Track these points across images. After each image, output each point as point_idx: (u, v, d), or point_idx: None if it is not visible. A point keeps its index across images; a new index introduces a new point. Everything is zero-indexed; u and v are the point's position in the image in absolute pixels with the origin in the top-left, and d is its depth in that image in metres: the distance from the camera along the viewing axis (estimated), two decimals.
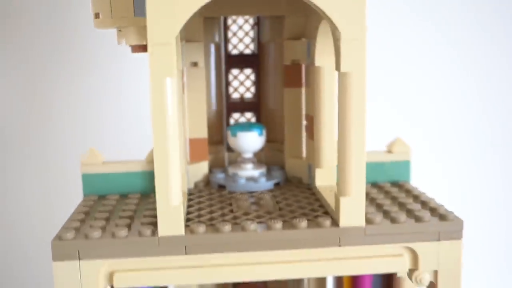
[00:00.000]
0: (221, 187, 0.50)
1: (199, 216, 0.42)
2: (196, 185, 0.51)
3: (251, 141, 0.50)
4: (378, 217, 0.39)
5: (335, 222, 0.39)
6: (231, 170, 0.51)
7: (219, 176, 0.51)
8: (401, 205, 0.43)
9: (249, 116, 0.57)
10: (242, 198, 0.46)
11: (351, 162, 0.38)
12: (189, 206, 0.45)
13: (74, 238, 0.38)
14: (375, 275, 0.46)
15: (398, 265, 0.40)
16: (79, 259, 0.37)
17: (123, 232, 0.38)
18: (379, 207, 0.43)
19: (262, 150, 0.54)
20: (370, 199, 0.45)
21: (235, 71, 0.56)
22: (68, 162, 0.65)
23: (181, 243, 0.38)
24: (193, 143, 0.52)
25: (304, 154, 0.53)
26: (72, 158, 0.54)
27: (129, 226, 0.40)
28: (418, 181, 0.51)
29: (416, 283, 0.40)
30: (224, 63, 0.55)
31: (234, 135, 0.50)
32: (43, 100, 0.72)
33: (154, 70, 0.36)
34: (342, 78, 0.37)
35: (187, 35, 0.49)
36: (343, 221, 0.38)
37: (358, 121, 0.37)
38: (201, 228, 0.38)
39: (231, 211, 0.43)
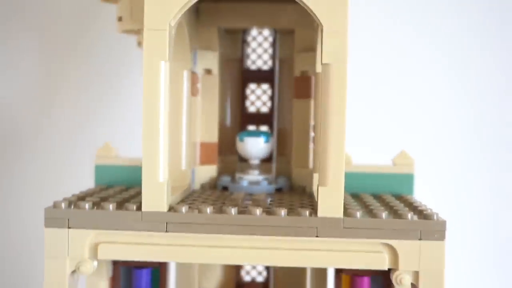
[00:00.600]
0: (225, 188, 0.52)
1: (190, 204, 0.43)
2: (201, 186, 0.53)
3: (257, 146, 0.52)
4: (359, 212, 0.39)
5: (314, 213, 0.39)
6: (237, 175, 0.53)
7: (225, 179, 0.53)
8: (388, 206, 0.43)
9: (264, 129, 0.59)
10: (238, 196, 0.47)
11: (330, 152, 0.39)
12: (185, 198, 0.47)
13: (67, 208, 0.40)
14: (373, 278, 0.45)
15: (376, 262, 0.39)
16: (68, 227, 0.40)
17: (111, 206, 0.40)
18: (365, 206, 0.43)
19: (273, 162, 0.56)
20: (362, 202, 0.45)
21: (252, 86, 0.58)
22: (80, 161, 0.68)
23: (163, 219, 0.39)
24: (204, 147, 0.54)
25: (310, 165, 0.54)
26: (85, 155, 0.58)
27: (119, 203, 0.42)
28: (423, 195, 0.50)
29: (397, 283, 0.39)
30: (242, 77, 0.58)
31: (242, 140, 0.52)
32: (58, 97, 0.75)
33: (148, 53, 0.39)
34: (324, 70, 0.39)
35: (202, 44, 0.53)
36: (321, 211, 0.39)
37: (338, 111, 0.38)
38: (184, 208, 0.40)
39: (223, 203, 0.45)
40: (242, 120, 0.58)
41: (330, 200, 0.39)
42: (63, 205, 0.40)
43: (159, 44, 0.39)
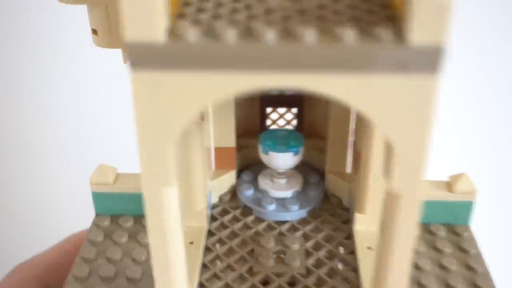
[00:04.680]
0: (248, 206, 0.44)
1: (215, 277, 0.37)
2: (221, 199, 0.45)
3: (284, 161, 0.43)
4: None
5: None
6: (262, 184, 0.44)
7: (247, 194, 0.44)
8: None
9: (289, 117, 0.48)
10: (267, 244, 0.40)
11: None
12: (207, 249, 0.40)
13: None
14: None
15: None
16: None
17: None
18: None
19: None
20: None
21: None
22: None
23: None
24: (219, 152, 0.45)
25: (347, 169, 0.45)
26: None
27: None
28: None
29: None
30: None
31: (266, 153, 0.43)
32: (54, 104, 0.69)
33: (147, 179, 0.28)
34: (390, 198, 0.28)
35: None
36: None
37: (402, 253, 0.29)
38: None
39: (251, 269, 0.38)
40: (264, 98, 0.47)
41: None
42: None
43: (159, 169, 0.28)
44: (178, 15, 0.26)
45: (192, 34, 0.24)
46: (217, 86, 0.25)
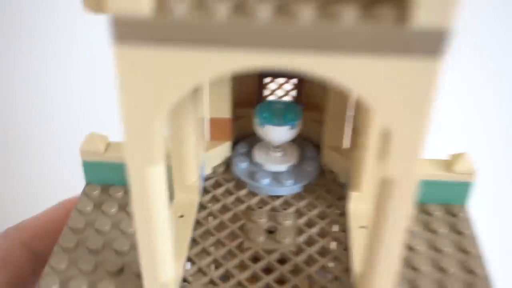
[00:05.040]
0: (241, 181, 0.43)
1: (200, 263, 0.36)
2: (214, 171, 0.44)
3: (280, 135, 0.41)
4: None
5: None
6: (257, 157, 0.43)
7: (241, 167, 0.43)
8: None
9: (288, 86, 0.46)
10: (258, 220, 0.39)
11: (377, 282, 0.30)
12: (197, 223, 0.39)
13: None
14: None
15: None
16: None
17: None
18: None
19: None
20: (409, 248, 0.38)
21: None
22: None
23: None
24: (214, 123, 0.44)
25: (345, 144, 0.44)
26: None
27: None
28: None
29: None
30: None
31: (262, 125, 0.41)
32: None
33: (131, 159, 0.27)
34: (385, 184, 0.27)
35: None
36: None
37: (395, 237, 0.28)
38: None
39: (241, 245, 0.38)
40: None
41: None
42: None
43: (144, 147, 0.26)
44: None
45: (180, 7, 0.23)
46: (206, 64, 0.24)
